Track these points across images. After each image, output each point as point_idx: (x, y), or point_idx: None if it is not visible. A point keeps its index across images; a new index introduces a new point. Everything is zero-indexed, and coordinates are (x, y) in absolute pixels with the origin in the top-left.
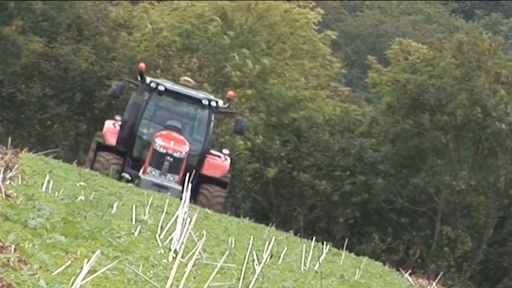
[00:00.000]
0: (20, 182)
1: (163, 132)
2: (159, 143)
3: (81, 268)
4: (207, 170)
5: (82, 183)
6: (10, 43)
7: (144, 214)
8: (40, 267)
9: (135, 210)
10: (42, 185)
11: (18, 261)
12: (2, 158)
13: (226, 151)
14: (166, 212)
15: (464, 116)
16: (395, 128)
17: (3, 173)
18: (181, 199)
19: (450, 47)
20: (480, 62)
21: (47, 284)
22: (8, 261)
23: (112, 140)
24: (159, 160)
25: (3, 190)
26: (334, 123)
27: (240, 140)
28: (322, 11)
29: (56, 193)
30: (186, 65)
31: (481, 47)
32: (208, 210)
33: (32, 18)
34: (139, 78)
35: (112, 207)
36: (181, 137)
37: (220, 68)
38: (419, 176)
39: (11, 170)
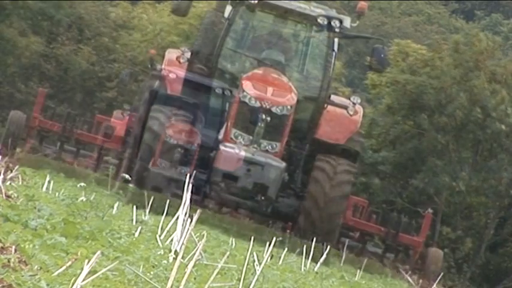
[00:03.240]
0: (20, 183)
1: (258, 72)
2: (250, 90)
3: (82, 269)
4: (324, 132)
5: (82, 184)
6: (10, 44)
7: (145, 215)
8: (40, 268)
9: (136, 210)
10: (43, 185)
11: (19, 262)
12: (2, 158)
13: (356, 99)
14: (166, 213)
15: (463, 116)
16: (395, 129)
17: (4, 174)
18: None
19: (448, 47)
20: (478, 62)
21: (48, 284)
22: (9, 262)
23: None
24: (255, 116)
25: (3, 191)
26: None
27: None
28: None
29: (57, 194)
30: None
31: (478, 47)
32: (208, 211)
33: (30, 16)
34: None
35: (112, 207)
36: (285, 79)
37: None
38: (419, 178)
39: (11, 171)
